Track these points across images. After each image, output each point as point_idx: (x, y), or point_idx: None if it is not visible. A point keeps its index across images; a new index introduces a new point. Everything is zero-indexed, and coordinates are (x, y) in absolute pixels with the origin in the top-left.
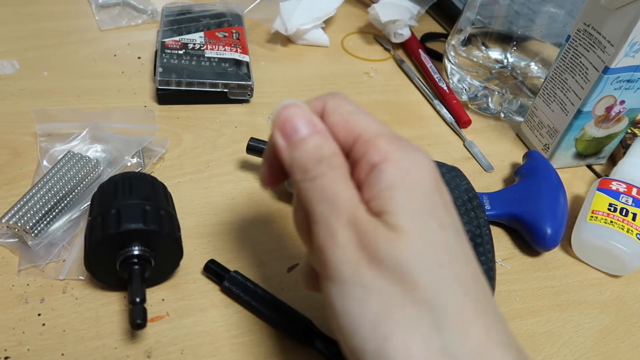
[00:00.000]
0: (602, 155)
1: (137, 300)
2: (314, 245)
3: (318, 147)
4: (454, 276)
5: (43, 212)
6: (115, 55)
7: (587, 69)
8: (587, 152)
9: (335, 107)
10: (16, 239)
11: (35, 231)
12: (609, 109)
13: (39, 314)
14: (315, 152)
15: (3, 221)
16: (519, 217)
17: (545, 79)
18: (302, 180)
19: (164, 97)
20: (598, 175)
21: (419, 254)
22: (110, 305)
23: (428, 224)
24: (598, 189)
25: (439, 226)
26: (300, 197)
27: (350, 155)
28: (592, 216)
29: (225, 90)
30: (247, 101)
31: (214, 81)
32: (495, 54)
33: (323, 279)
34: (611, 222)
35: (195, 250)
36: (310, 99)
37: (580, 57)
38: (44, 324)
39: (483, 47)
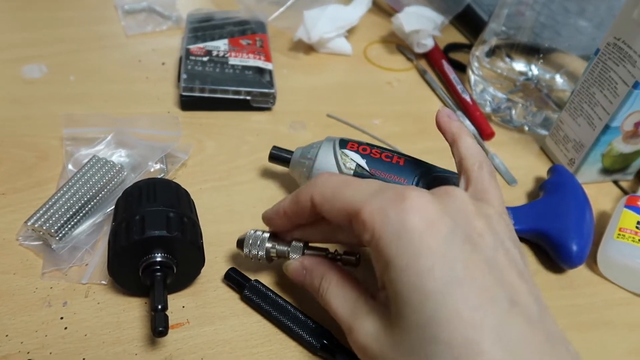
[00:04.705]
0: (630, 172)
1: (159, 307)
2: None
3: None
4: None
5: (67, 216)
6: (140, 61)
7: (616, 83)
8: (614, 168)
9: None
10: (40, 242)
11: (60, 235)
12: (638, 124)
13: (62, 317)
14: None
15: (28, 224)
16: (544, 232)
17: (572, 93)
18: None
19: (188, 103)
20: (624, 192)
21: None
22: (132, 311)
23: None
24: (625, 206)
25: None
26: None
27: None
28: (619, 234)
29: (247, 97)
30: (269, 109)
31: (237, 88)
32: (519, 65)
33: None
34: (639, 240)
35: (216, 258)
36: None
37: (610, 71)
38: (66, 328)
39: (507, 59)
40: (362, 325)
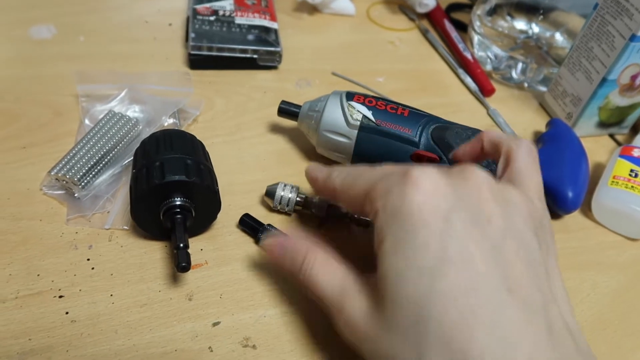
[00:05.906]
0: (625, 125)
1: (182, 245)
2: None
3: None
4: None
5: (89, 165)
6: (147, 22)
7: (613, 36)
8: (610, 121)
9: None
10: (63, 191)
11: (83, 183)
12: (634, 77)
13: (88, 259)
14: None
15: (52, 174)
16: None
17: (571, 48)
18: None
19: (196, 62)
20: (620, 145)
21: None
22: (153, 254)
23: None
24: (620, 156)
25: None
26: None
27: None
28: (613, 181)
29: (254, 56)
30: (275, 67)
31: (244, 47)
32: (520, 24)
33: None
34: (632, 187)
35: (230, 206)
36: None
37: (607, 25)
38: (93, 268)
39: (508, 17)
40: (354, 304)
